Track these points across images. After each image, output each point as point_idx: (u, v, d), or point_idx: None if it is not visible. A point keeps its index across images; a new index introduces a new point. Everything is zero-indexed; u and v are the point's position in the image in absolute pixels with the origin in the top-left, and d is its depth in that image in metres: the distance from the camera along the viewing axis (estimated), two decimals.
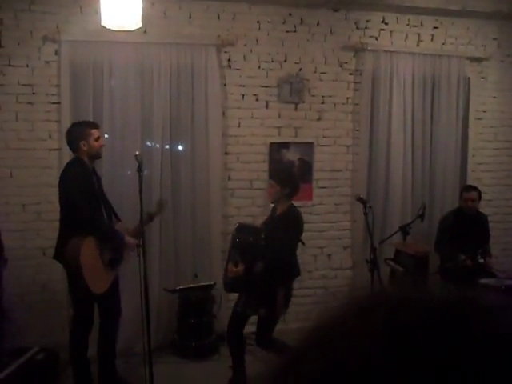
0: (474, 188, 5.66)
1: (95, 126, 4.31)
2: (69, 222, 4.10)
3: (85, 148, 4.15)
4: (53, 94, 5.23)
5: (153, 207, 4.53)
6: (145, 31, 5.11)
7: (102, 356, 4.35)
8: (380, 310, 0.49)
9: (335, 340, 0.49)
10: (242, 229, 4.37)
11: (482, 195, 5.68)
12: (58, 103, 5.21)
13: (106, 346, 4.34)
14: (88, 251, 4.03)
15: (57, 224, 5.34)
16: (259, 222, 4.69)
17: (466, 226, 5.47)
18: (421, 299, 0.51)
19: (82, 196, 4.01)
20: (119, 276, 4.44)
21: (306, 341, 0.52)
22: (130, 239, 4.18)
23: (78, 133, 4.19)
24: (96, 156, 4.27)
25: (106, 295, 4.14)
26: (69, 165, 4.22)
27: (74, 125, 4.35)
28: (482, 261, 5.39)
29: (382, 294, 0.53)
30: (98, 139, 4.22)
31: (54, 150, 5.25)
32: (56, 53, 5.19)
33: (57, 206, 5.31)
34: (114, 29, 3.76)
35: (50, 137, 5.25)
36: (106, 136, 5.27)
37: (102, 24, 3.64)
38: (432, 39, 6.18)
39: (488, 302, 0.49)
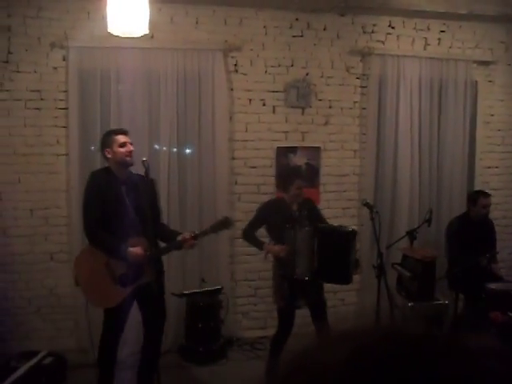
0: (490, 194, 5.58)
1: (121, 132, 4.06)
2: None
3: (109, 156, 4.00)
4: (60, 100, 5.26)
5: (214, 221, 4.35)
6: (152, 37, 5.13)
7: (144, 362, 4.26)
8: (347, 343, 0.51)
9: (307, 369, 0.51)
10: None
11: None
12: (66, 109, 5.24)
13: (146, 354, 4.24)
14: (85, 262, 3.99)
15: (64, 229, 5.41)
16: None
17: (472, 231, 5.42)
18: (386, 335, 0.53)
19: (89, 208, 3.93)
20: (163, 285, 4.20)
21: (282, 369, 0.54)
22: (133, 250, 3.89)
23: (103, 141, 4.07)
24: (124, 163, 3.98)
25: (120, 309, 3.99)
26: (89, 175, 4.08)
27: (103, 134, 4.20)
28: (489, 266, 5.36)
29: (354, 327, 0.55)
30: (123, 145, 3.96)
31: (62, 155, 5.28)
32: (64, 59, 5.22)
33: (64, 211, 5.38)
34: (120, 35, 3.77)
35: (57, 142, 5.28)
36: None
37: (109, 31, 3.65)
38: (439, 43, 6.17)
39: (456, 342, 0.50)
